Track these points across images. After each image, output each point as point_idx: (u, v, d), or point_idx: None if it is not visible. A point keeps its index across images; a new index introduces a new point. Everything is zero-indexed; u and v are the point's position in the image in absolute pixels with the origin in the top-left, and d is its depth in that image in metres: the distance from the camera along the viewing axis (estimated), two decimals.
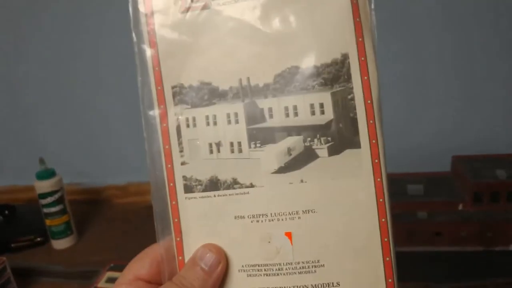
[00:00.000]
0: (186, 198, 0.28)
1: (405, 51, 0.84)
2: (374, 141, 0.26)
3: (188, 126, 0.28)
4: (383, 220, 0.26)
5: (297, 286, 0.26)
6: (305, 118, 0.27)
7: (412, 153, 0.88)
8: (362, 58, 0.26)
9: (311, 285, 0.26)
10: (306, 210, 0.26)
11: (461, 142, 0.87)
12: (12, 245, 0.85)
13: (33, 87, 1.01)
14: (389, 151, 0.82)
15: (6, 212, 0.94)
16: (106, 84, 0.97)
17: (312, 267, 0.26)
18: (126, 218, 0.97)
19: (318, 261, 0.26)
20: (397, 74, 0.85)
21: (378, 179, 0.26)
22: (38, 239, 0.87)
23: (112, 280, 0.74)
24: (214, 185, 0.28)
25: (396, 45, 0.83)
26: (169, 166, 0.28)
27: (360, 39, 0.26)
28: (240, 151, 0.27)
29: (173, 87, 0.28)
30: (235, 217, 0.27)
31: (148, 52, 0.28)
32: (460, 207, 0.75)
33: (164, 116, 0.28)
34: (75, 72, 0.98)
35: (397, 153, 0.88)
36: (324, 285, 0.26)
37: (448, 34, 0.83)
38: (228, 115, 0.27)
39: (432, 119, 0.89)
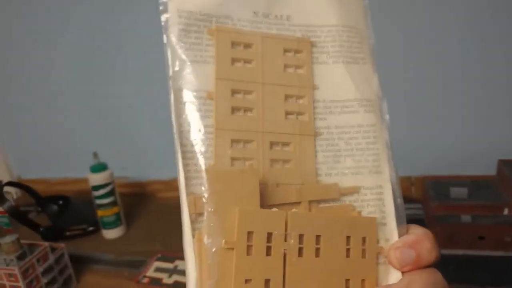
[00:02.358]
0: None
1: (457, 48, 0.84)
2: None
3: None
4: None
5: None
6: None
7: (457, 155, 0.87)
8: None
9: None
10: None
11: (507, 145, 0.86)
12: (67, 233, 0.91)
13: (84, 88, 1.07)
14: (434, 154, 0.83)
15: (60, 202, 1.00)
16: (151, 81, 1.02)
17: None
18: (170, 211, 1.00)
19: None
20: (447, 74, 0.85)
21: None
22: (90, 228, 0.93)
23: (160, 270, 0.78)
24: None
25: (457, 40, 0.83)
26: None
27: None
28: None
29: None
30: None
31: None
32: (505, 211, 0.74)
33: None
34: (122, 72, 1.03)
35: (442, 155, 0.88)
36: None
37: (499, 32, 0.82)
38: None
39: (479, 122, 0.88)
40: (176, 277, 0.75)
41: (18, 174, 1.22)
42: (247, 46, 0.27)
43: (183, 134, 0.25)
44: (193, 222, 0.24)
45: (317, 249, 0.25)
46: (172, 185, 1.08)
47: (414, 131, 0.89)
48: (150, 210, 1.04)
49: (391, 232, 0.27)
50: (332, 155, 0.27)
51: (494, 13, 0.80)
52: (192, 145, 0.25)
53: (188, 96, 0.26)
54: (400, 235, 0.26)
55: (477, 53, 0.83)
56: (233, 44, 0.27)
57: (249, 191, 0.24)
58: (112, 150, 1.06)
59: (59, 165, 1.16)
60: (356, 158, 0.28)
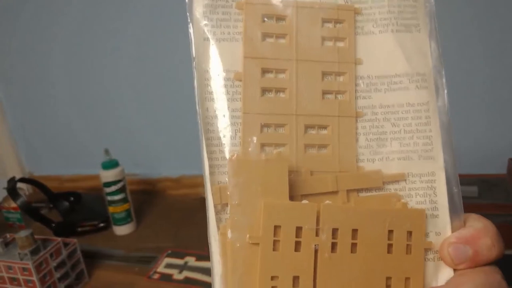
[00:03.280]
0: None
1: (459, 50, 0.84)
2: None
3: None
4: None
5: None
6: None
7: (466, 154, 0.87)
8: None
9: None
10: None
11: None
12: (79, 229, 0.92)
13: (96, 84, 1.08)
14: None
15: (72, 198, 1.01)
16: (164, 79, 1.03)
17: None
18: (179, 208, 1.02)
19: None
20: (456, 73, 0.85)
21: None
22: (101, 224, 0.94)
23: (170, 266, 0.79)
24: None
25: (451, 43, 0.83)
26: None
27: None
28: None
29: None
30: None
31: None
32: None
33: None
34: (134, 69, 1.03)
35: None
36: None
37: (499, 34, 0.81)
38: None
39: (490, 120, 0.87)
40: (186, 273, 0.76)
41: (30, 171, 1.23)
42: (280, 19, 0.25)
43: (208, 119, 0.24)
44: (218, 212, 0.23)
45: (353, 245, 0.22)
46: (182, 182, 1.09)
47: None
48: (160, 207, 1.05)
49: (444, 226, 0.24)
50: (376, 138, 0.24)
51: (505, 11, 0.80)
52: (219, 131, 0.24)
53: (214, 78, 0.24)
54: (454, 229, 0.24)
55: (484, 52, 0.83)
56: (264, 18, 0.25)
57: (276, 182, 0.22)
58: (123, 147, 1.07)
59: (71, 162, 1.17)
60: (404, 142, 0.24)
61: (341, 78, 0.25)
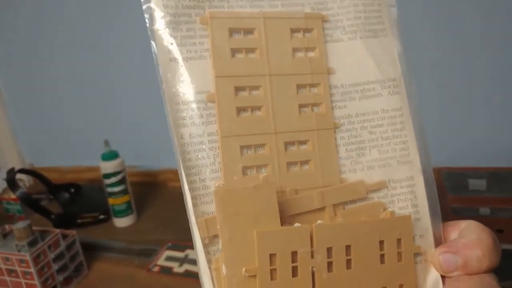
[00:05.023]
0: None
1: (467, 45, 0.81)
2: None
3: None
4: None
5: None
6: None
7: (475, 147, 0.85)
8: None
9: None
10: None
11: None
12: (79, 221, 0.91)
13: (96, 75, 1.06)
14: (452, 145, 0.81)
15: (72, 190, 1.00)
16: None
17: None
18: (181, 201, 0.99)
19: None
20: (462, 66, 0.83)
21: None
22: (101, 216, 0.92)
23: (171, 259, 0.77)
24: None
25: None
26: None
27: None
28: None
29: None
30: None
31: None
32: None
33: None
34: (136, 59, 1.02)
35: (460, 147, 0.86)
36: None
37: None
38: None
39: (498, 113, 0.85)
40: (186, 266, 0.75)
41: (30, 162, 1.22)
42: (248, 32, 0.24)
43: (185, 146, 0.23)
44: (206, 245, 0.22)
45: (348, 261, 0.22)
46: None
47: (429, 123, 0.86)
48: (161, 199, 1.04)
49: (426, 227, 0.25)
50: (355, 148, 0.24)
51: None
52: (197, 158, 0.23)
53: (186, 102, 0.23)
54: (434, 230, 0.24)
55: (494, 45, 0.81)
56: (232, 32, 0.24)
57: (266, 209, 0.22)
58: (124, 139, 1.06)
59: (72, 153, 1.16)
60: (383, 149, 0.25)
61: (315, 90, 0.25)
